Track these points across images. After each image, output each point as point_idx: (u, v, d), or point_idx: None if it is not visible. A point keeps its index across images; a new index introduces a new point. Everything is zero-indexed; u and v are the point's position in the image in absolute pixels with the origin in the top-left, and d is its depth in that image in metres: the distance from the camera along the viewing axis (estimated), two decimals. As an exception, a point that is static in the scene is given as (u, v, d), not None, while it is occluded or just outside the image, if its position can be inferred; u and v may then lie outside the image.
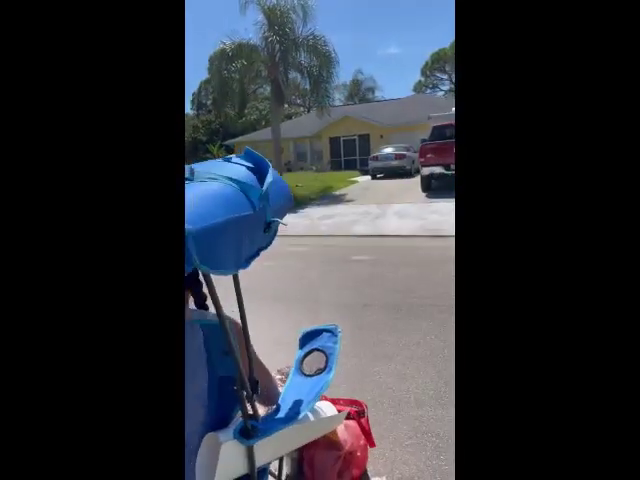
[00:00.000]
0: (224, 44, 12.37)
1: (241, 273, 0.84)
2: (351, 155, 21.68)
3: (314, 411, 1.21)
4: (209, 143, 30.62)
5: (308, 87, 13.63)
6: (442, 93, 41.15)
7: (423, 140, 11.50)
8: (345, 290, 3.85)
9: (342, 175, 17.33)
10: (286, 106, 43.53)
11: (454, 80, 40.70)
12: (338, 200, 10.98)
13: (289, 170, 23.39)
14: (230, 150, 27.63)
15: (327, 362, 1.25)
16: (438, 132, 11.66)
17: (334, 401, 1.59)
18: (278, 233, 0.91)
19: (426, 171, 10.44)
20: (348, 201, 10.66)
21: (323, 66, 12.01)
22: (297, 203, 10.76)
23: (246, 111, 36.89)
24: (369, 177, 16.01)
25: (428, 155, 10.29)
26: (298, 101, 46.93)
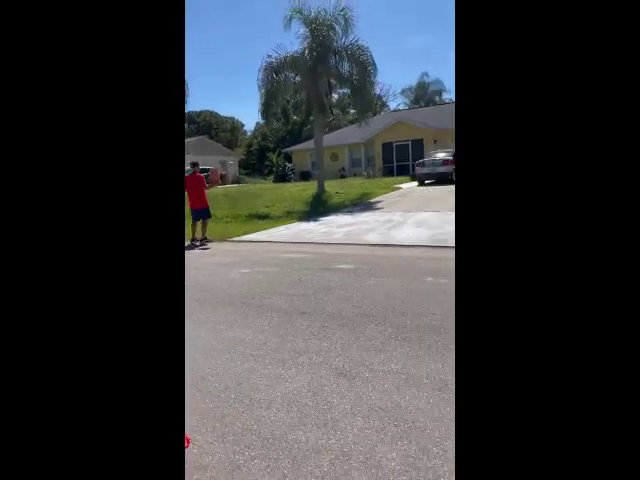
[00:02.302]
0: (270, 57, 13.05)
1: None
2: (404, 160, 21.34)
3: None
4: (274, 150, 32.04)
5: (350, 96, 13.79)
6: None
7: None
8: (297, 297, 4.03)
9: (390, 181, 17.18)
10: (350, 111, 44.04)
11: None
12: (369, 207, 11.00)
13: (343, 176, 23.67)
14: (288, 158, 28.65)
15: None
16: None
17: None
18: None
19: (459, 179, 10.06)
20: (379, 209, 10.64)
21: (361, 75, 12.14)
22: (326, 211, 11.00)
23: (311, 118, 38.05)
24: (416, 183, 15.71)
25: (461, 162, 9.90)
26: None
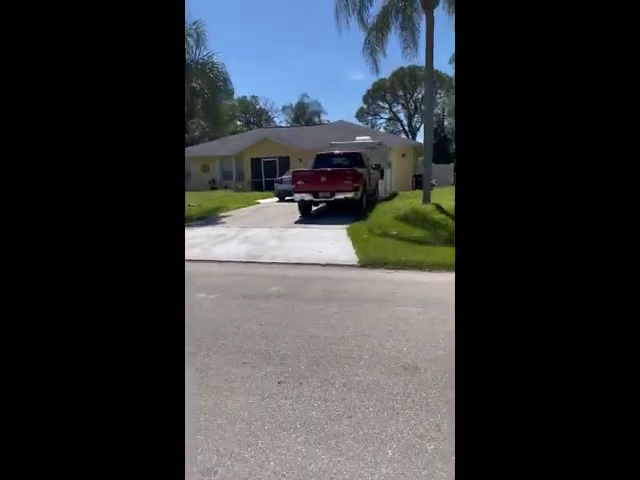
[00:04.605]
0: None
1: None
2: (272, 176, 21.95)
3: None
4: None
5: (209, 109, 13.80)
6: (382, 121, 42.93)
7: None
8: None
9: (254, 196, 17.51)
10: (238, 123, 43.95)
11: (392, 109, 42.70)
12: (213, 222, 11.04)
13: (213, 188, 23.36)
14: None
15: None
16: (321, 160, 12.13)
17: None
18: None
19: (297, 197, 10.78)
20: (221, 223, 10.74)
21: (211, 90, 12.26)
22: (167, 223, 10.69)
23: (193, 127, 37.05)
24: (276, 199, 16.28)
25: (298, 182, 10.65)
26: (253, 119, 47.41)
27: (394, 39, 11.99)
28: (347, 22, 11.35)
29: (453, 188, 19.73)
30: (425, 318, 3.64)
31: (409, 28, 11.41)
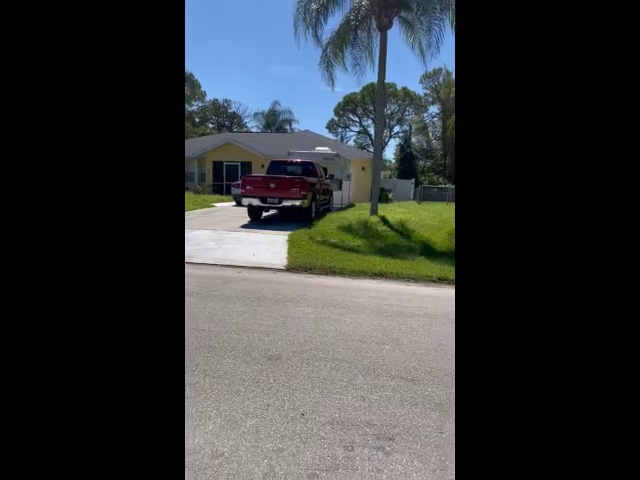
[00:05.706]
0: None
1: None
2: (234, 180, 22.03)
3: None
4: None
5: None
6: (352, 134, 43.83)
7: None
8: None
9: (212, 199, 17.50)
10: (210, 126, 43.63)
11: (362, 123, 43.70)
12: (161, 222, 11.04)
13: (174, 189, 23.17)
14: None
15: None
16: (275, 167, 12.38)
17: None
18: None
19: (245, 202, 10.97)
20: (168, 224, 10.75)
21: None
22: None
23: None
24: (234, 203, 16.38)
25: (247, 187, 10.84)
26: (226, 122, 47.21)
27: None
28: (305, 36, 11.75)
29: (410, 203, 20.37)
30: (316, 317, 3.90)
31: (361, 47, 11.92)
